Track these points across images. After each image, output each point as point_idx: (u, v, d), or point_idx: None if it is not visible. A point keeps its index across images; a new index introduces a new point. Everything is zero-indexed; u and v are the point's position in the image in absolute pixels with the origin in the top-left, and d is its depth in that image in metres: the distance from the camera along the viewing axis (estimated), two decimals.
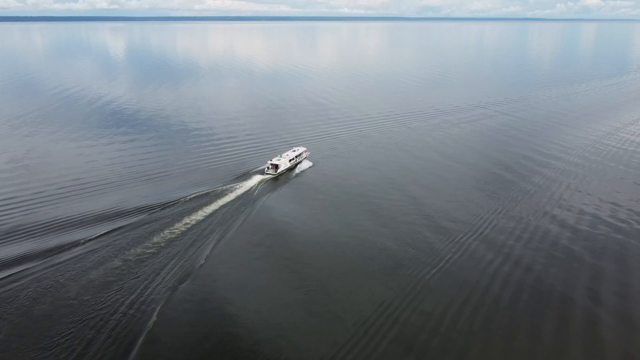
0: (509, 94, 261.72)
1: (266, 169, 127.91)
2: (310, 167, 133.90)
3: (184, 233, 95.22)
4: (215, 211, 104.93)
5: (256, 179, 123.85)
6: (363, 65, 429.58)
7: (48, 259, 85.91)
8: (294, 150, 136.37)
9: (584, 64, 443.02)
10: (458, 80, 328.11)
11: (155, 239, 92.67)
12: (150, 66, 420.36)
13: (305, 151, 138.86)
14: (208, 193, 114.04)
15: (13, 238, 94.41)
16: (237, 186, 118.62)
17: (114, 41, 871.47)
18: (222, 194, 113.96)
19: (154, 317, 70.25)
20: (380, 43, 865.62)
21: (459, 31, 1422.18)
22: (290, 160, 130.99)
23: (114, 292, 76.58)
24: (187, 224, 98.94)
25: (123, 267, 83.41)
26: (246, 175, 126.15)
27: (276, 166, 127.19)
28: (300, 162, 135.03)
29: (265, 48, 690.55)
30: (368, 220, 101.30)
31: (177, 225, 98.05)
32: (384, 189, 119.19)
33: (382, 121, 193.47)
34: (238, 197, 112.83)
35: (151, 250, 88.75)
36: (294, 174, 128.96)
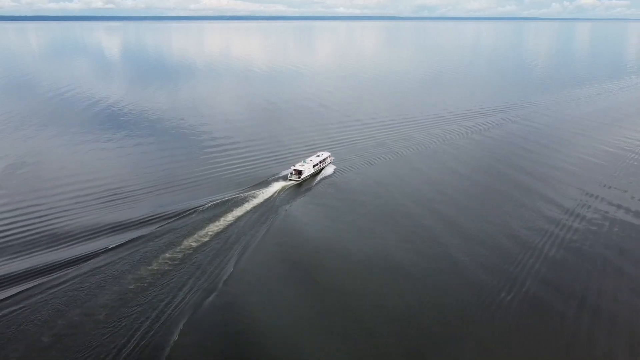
0: (524, 97, 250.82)
1: (289, 174, 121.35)
2: (333, 173, 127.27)
3: (204, 244, 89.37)
4: (237, 219, 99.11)
5: (278, 185, 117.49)
6: (369, 67, 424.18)
7: (59, 273, 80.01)
8: (318, 155, 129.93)
9: (592, 65, 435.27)
10: (468, 82, 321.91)
11: (174, 251, 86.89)
12: (152, 67, 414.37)
13: (329, 156, 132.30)
14: (228, 200, 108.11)
15: (21, 252, 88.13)
16: (258, 193, 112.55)
17: (112, 41, 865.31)
18: (242, 201, 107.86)
19: (176, 337, 65.29)
20: (381, 43, 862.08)
21: (457, 31, 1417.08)
22: (314, 166, 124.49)
23: (132, 309, 70.85)
24: (208, 234, 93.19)
25: (141, 282, 77.61)
26: (267, 182, 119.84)
27: (300, 172, 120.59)
28: (324, 167, 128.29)
29: (267, 48, 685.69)
30: (399, 246, 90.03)
31: (197, 236, 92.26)
32: (409, 205, 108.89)
33: (398, 126, 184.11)
34: (259, 205, 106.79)
35: (171, 264, 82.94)
36: (317, 180, 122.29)
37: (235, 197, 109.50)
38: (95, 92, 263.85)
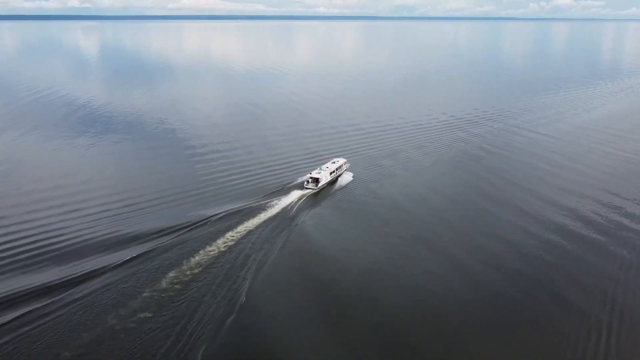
0: (524, 101, 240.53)
1: (305, 182, 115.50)
2: (351, 181, 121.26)
3: (216, 259, 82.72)
4: (251, 232, 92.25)
5: (295, 194, 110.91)
6: (359, 68, 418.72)
7: (55, 298, 72.52)
8: (334, 162, 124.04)
9: (580, 67, 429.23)
10: (466, 84, 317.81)
11: (183, 269, 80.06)
12: (140, 68, 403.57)
13: (345, 163, 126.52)
14: (240, 210, 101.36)
15: (17, 270, 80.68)
16: (274, 203, 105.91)
17: (91, 41, 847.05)
18: (256, 211, 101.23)
19: None
20: (366, 44, 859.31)
21: (438, 31, 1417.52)
22: (331, 173, 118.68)
23: (142, 336, 64.36)
24: (218, 248, 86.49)
25: (148, 306, 70.47)
26: (282, 191, 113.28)
27: (317, 180, 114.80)
28: (340, 174, 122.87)
29: (252, 49, 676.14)
30: (427, 269, 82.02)
31: (207, 251, 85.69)
32: (432, 224, 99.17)
33: (405, 131, 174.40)
34: (275, 216, 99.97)
35: (182, 282, 76.28)
36: (334, 189, 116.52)
37: (248, 207, 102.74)
38: (82, 94, 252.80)
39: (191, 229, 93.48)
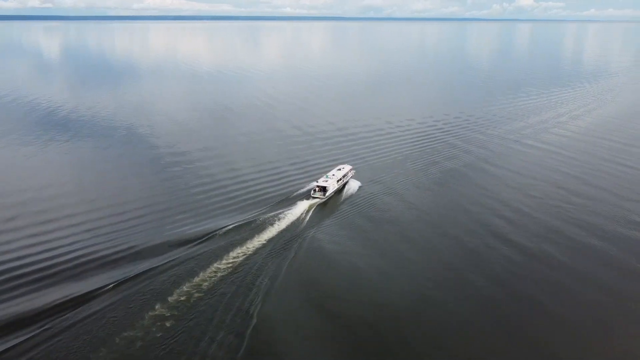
0: (521, 106, 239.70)
1: (312, 192, 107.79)
2: (358, 189, 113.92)
3: (220, 280, 74.83)
4: (251, 255, 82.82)
5: (302, 205, 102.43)
6: (340, 70, 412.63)
7: (38, 328, 64.06)
8: (340, 169, 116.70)
9: (557, 68, 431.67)
10: (453, 86, 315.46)
11: (185, 290, 72.30)
12: (111, 71, 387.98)
13: (351, 170, 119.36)
14: (242, 226, 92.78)
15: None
16: (278, 216, 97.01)
17: (57, 42, 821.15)
18: (259, 227, 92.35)
19: None
20: (337, 44, 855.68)
21: (406, 31, 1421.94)
22: (338, 181, 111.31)
23: None
24: (221, 268, 78.41)
25: (148, 335, 62.88)
26: (286, 202, 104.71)
27: (324, 188, 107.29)
28: (347, 182, 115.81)
29: (227, 51, 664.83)
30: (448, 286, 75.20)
31: (210, 270, 77.66)
32: (453, 236, 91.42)
33: (403, 136, 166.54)
34: (282, 232, 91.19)
35: (183, 307, 68.38)
36: (342, 199, 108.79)
37: (248, 223, 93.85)
38: (46, 98, 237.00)
39: (190, 247, 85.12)
